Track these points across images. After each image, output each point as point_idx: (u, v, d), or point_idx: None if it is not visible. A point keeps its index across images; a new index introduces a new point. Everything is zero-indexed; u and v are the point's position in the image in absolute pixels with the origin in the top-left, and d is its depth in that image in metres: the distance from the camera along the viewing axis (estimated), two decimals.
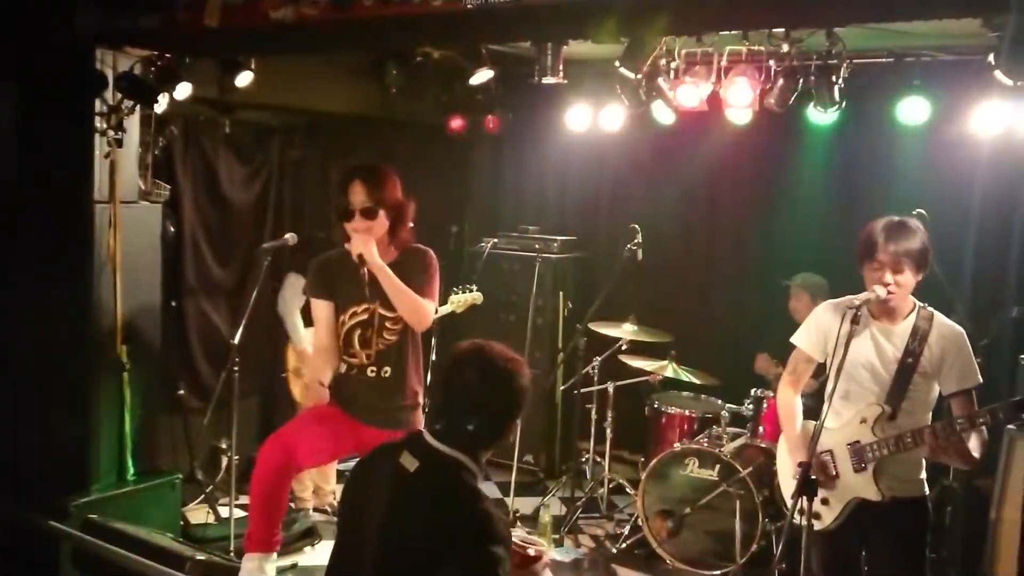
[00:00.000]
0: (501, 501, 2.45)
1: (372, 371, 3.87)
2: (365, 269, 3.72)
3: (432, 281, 3.88)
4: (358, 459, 2.75)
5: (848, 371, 3.39)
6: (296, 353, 5.43)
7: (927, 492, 3.54)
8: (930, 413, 3.49)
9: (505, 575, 2.32)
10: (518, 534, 2.61)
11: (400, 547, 2.35)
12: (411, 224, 3.93)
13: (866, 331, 3.45)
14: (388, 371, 3.87)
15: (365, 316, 3.83)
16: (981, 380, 3.43)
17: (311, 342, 4.74)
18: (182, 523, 5.19)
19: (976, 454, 3.37)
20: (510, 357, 2.51)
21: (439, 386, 2.49)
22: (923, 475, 3.50)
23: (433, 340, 5.93)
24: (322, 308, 3.91)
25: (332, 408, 3.89)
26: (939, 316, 3.46)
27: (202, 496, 5.56)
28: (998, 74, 3.68)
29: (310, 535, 5.34)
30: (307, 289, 4.09)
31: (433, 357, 6.11)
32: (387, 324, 3.83)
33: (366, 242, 3.71)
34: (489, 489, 2.50)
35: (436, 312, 5.28)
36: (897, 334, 3.44)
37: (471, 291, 5.59)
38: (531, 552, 2.55)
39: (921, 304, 3.48)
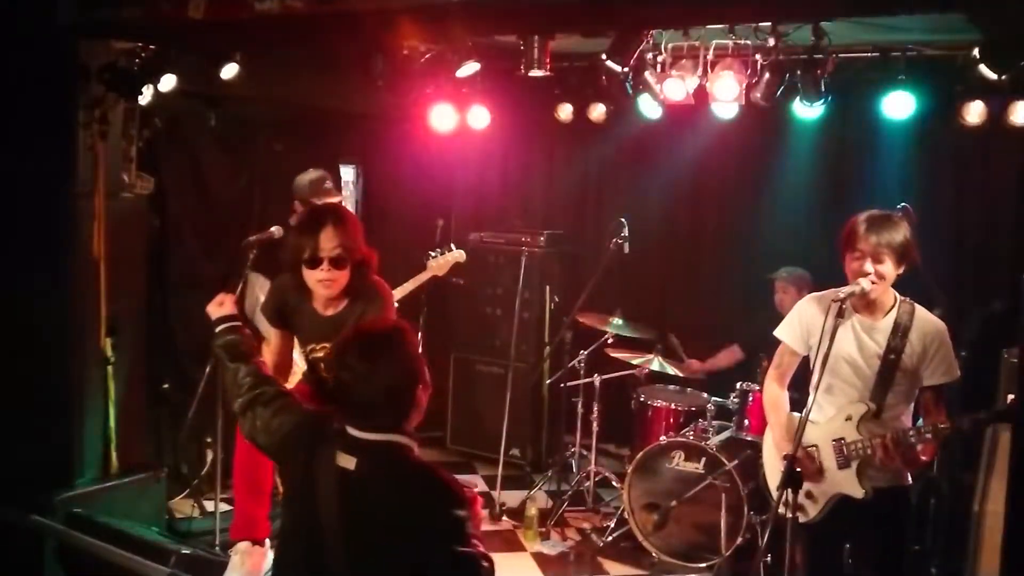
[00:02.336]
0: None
1: None
2: (327, 315, 3.63)
3: (387, 306, 3.74)
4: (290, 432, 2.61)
5: (830, 365, 3.40)
6: (270, 351, 5.33)
7: (910, 482, 3.56)
8: (912, 406, 3.52)
9: (471, 527, 2.38)
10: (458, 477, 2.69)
11: (370, 550, 2.35)
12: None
13: (848, 325, 3.45)
14: None
15: (322, 353, 3.69)
16: (959, 374, 3.44)
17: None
18: (167, 517, 5.17)
19: (925, 457, 3.48)
20: (385, 331, 2.54)
21: (338, 382, 2.45)
22: (873, 477, 3.50)
23: (419, 334, 5.93)
24: (273, 336, 3.87)
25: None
26: (920, 310, 3.47)
27: (187, 490, 5.54)
28: (983, 68, 3.70)
29: None
30: (264, 311, 3.96)
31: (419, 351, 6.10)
32: None
33: None
34: (474, 482, 2.53)
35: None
36: (879, 330, 3.45)
37: (451, 251, 5.51)
38: (467, 493, 2.61)
39: (902, 298, 3.48)
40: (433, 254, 5.46)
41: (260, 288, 5.19)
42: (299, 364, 4.98)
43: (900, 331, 3.41)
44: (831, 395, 3.49)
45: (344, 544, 2.35)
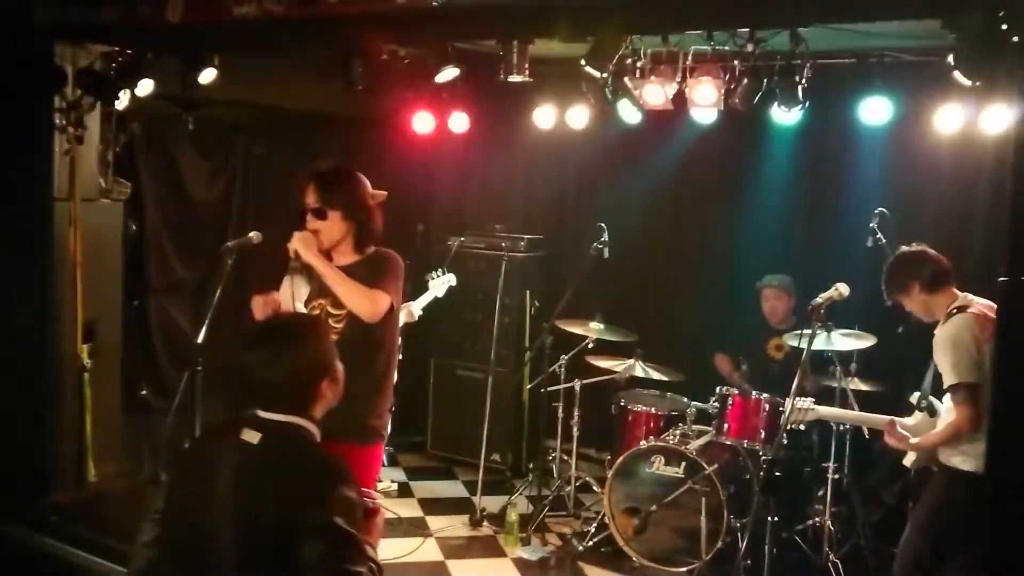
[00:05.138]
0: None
1: None
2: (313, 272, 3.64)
3: (387, 278, 3.70)
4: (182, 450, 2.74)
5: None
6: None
7: (957, 468, 3.72)
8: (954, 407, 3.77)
9: (359, 516, 2.42)
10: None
11: (255, 520, 2.40)
12: (377, 230, 3.79)
13: None
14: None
15: (319, 311, 3.70)
16: (958, 380, 3.65)
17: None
18: None
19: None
20: (298, 322, 2.69)
21: (246, 363, 2.56)
22: (947, 451, 3.77)
23: (399, 340, 5.89)
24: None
25: None
26: (955, 316, 3.75)
27: None
28: (957, 74, 3.74)
29: None
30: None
31: (399, 356, 6.07)
32: (331, 321, 3.65)
33: (304, 239, 3.61)
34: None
35: (416, 314, 5.31)
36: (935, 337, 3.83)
37: (445, 273, 5.64)
38: (370, 505, 2.66)
39: (956, 306, 3.80)
40: (435, 274, 5.57)
41: (284, 291, 5.07)
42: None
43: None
44: None
45: (232, 513, 2.41)
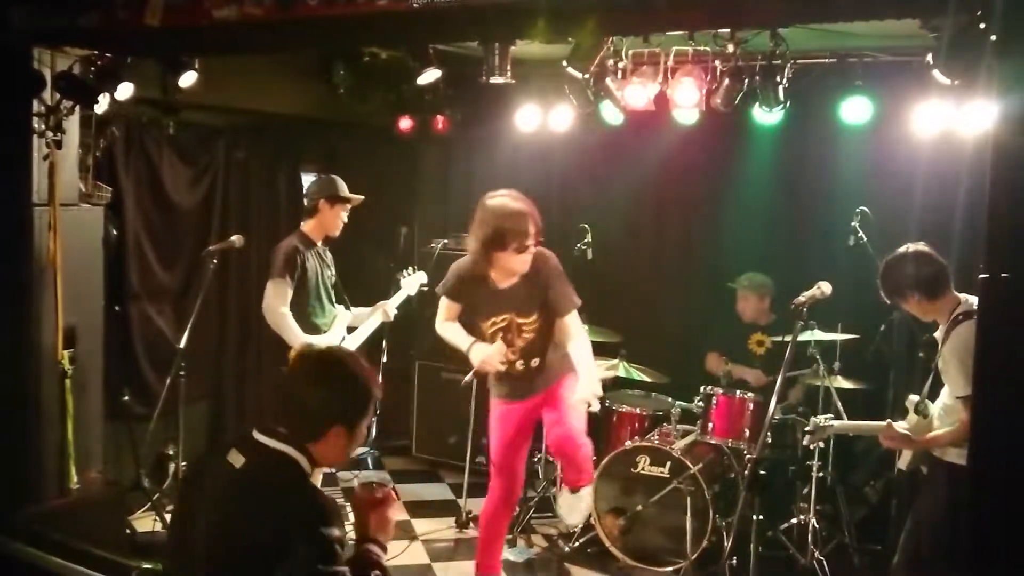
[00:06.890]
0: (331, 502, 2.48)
1: (521, 364, 4.35)
2: (503, 288, 4.23)
3: (568, 285, 4.32)
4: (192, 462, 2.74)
5: None
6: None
7: (955, 463, 3.69)
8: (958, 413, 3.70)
9: (342, 551, 2.37)
10: (366, 474, 2.68)
11: (231, 544, 2.37)
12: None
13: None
14: (536, 361, 4.36)
15: (504, 323, 4.29)
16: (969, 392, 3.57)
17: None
18: (128, 532, 5.09)
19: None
20: (343, 362, 2.51)
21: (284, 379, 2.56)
22: (939, 452, 3.78)
23: (384, 342, 5.90)
24: (450, 306, 4.46)
25: (506, 406, 4.45)
26: (963, 324, 3.66)
27: (148, 504, 5.45)
28: (936, 74, 3.76)
29: None
30: (441, 288, 4.49)
31: (384, 359, 6.07)
32: (523, 328, 4.29)
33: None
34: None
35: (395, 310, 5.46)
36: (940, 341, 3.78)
37: (415, 271, 5.65)
38: (379, 495, 2.64)
39: (962, 311, 3.71)
40: (406, 273, 5.55)
41: (271, 296, 4.99)
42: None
43: (939, 345, 3.76)
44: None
45: (209, 533, 2.39)
